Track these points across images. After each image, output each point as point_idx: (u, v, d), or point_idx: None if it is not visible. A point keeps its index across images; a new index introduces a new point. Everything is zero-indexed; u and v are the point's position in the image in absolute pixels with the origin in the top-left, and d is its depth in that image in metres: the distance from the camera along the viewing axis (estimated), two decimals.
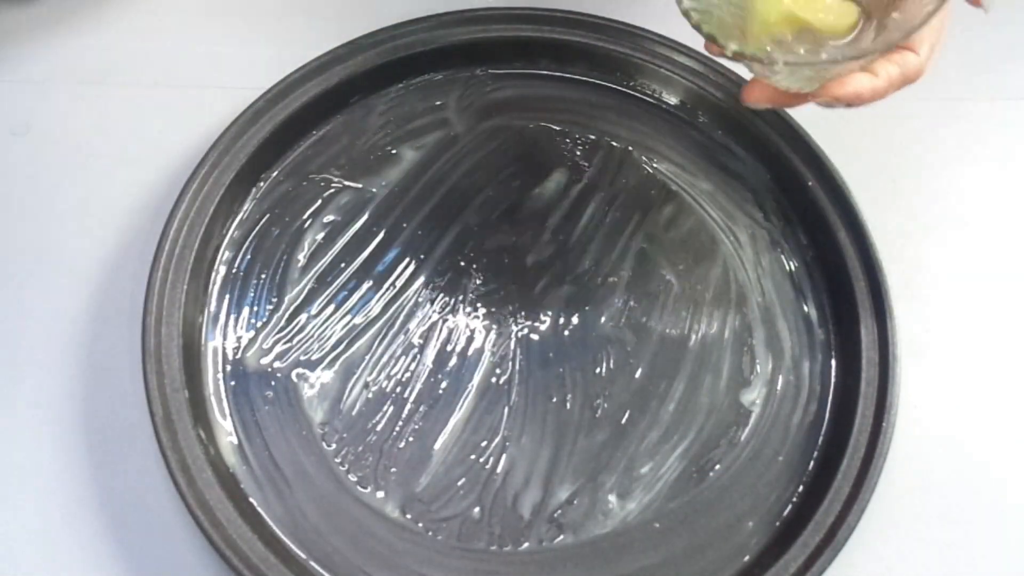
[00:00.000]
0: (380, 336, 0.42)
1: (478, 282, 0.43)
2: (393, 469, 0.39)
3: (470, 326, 0.42)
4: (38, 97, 0.47)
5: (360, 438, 0.40)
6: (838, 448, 0.40)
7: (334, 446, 0.39)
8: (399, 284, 0.43)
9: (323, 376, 0.41)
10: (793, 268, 0.45)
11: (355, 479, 0.39)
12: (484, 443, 0.40)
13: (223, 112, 0.44)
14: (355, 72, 0.46)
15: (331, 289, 0.42)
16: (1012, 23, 0.53)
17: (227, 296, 0.42)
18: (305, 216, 0.44)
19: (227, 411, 0.40)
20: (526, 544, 0.38)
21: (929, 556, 0.40)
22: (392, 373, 0.41)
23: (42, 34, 0.48)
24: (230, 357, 0.41)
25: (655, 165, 0.47)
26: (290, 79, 0.45)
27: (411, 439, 0.40)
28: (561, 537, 0.38)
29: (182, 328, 0.40)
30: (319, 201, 0.44)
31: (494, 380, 0.41)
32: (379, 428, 0.40)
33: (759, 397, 0.42)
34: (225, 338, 0.41)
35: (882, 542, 0.39)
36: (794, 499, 0.40)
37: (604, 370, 0.42)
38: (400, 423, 0.40)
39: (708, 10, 0.34)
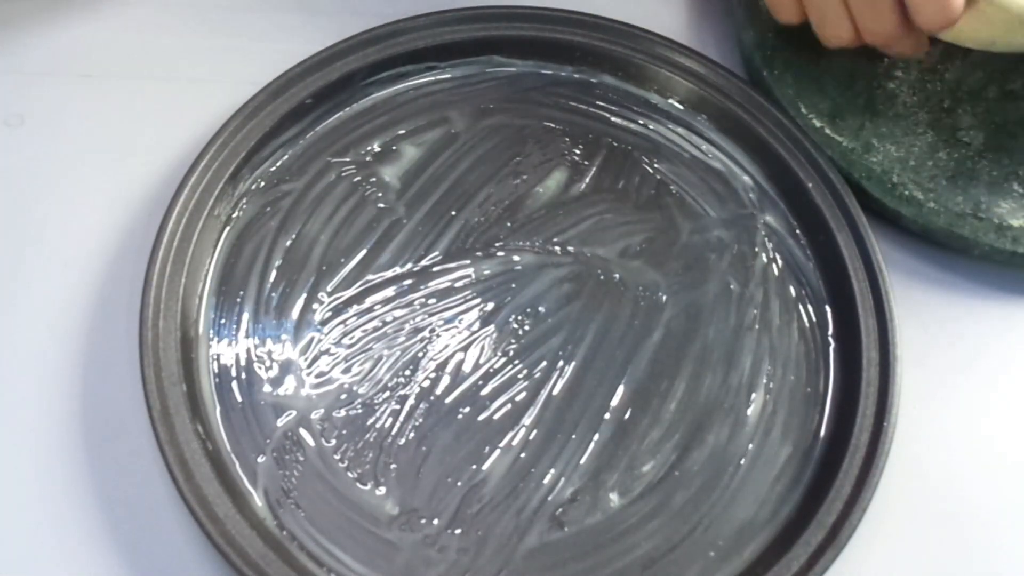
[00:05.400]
0: (380, 332, 0.41)
1: (478, 279, 0.43)
2: (393, 466, 0.39)
3: (470, 323, 0.42)
4: (33, 88, 0.46)
5: (360, 435, 0.39)
6: (839, 448, 0.40)
7: (333, 442, 0.39)
8: (398, 281, 0.43)
9: (322, 372, 0.40)
10: (793, 269, 0.45)
11: (354, 476, 0.39)
12: (486, 440, 0.40)
13: (222, 106, 0.44)
14: (355, 68, 0.46)
15: (330, 285, 0.42)
16: None
17: (226, 291, 0.42)
18: (304, 212, 0.44)
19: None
20: (527, 541, 0.38)
21: (931, 556, 0.40)
22: (392, 369, 0.41)
23: (38, 25, 0.48)
24: (229, 352, 0.40)
25: (655, 165, 0.47)
26: (290, 74, 0.45)
27: (411, 436, 0.39)
28: (562, 534, 0.38)
29: (180, 322, 0.39)
30: (318, 197, 0.44)
31: (495, 377, 0.41)
32: (379, 425, 0.40)
33: (760, 397, 0.42)
34: (223, 333, 0.41)
35: (884, 542, 0.39)
36: (796, 498, 0.40)
37: (606, 368, 0.41)
38: (400, 420, 0.40)
39: None
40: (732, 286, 0.44)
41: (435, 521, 0.38)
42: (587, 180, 0.46)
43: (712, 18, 0.52)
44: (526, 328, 0.42)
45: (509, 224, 0.44)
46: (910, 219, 0.45)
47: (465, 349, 0.41)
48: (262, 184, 0.44)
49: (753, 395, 0.42)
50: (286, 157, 0.45)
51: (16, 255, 0.42)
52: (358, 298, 0.42)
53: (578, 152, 0.47)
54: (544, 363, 0.41)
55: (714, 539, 0.39)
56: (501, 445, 0.40)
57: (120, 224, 0.43)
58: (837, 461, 0.39)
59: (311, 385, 0.40)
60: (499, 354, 0.41)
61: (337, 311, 0.42)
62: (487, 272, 0.43)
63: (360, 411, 0.40)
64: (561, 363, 0.41)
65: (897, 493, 0.40)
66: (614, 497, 0.39)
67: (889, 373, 0.41)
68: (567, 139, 0.47)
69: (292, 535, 0.37)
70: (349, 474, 0.39)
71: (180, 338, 0.39)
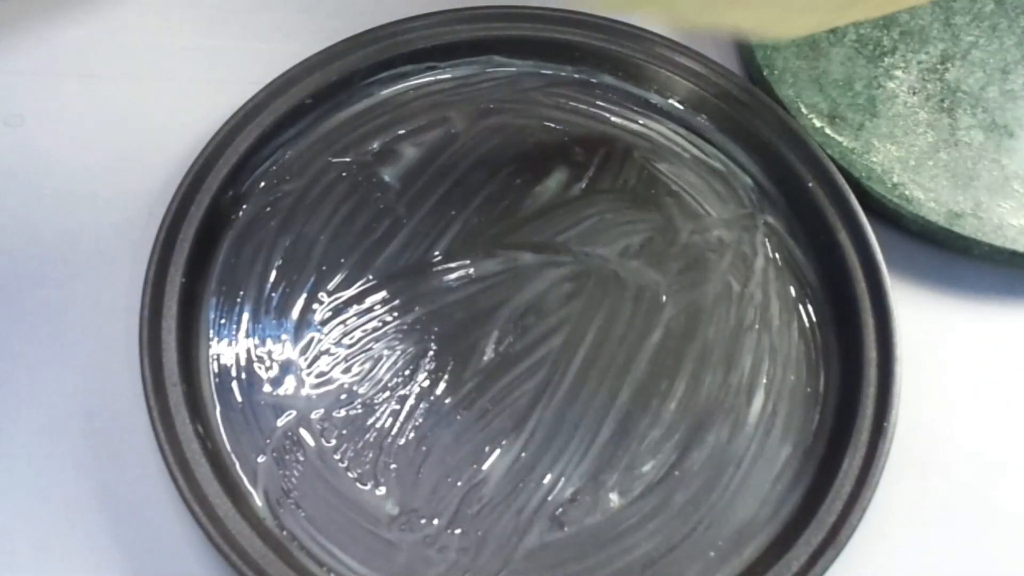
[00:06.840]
0: (380, 332, 0.41)
1: (478, 279, 0.43)
2: (393, 466, 0.39)
3: (470, 322, 0.42)
4: (33, 88, 0.46)
5: (360, 435, 0.39)
6: (839, 448, 0.40)
7: (333, 442, 0.39)
8: (398, 281, 0.43)
9: (322, 372, 0.40)
10: (793, 269, 0.45)
11: (354, 476, 0.39)
12: (486, 440, 0.40)
13: (221, 106, 0.44)
14: (355, 68, 0.46)
15: (330, 285, 0.42)
16: None
17: (226, 291, 0.42)
18: (304, 212, 0.44)
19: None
20: (527, 541, 0.38)
21: (931, 555, 0.40)
22: (392, 369, 0.41)
23: (38, 25, 0.48)
24: (229, 352, 0.40)
25: (655, 165, 0.47)
26: (290, 74, 0.45)
27: (411, 436, 0.39)
28: (562, 534, 0.38)
29: (180, 322, 0.39)
30: (318, 197, 0.44)
31: (496, 377, 0.41)
32: (379, 425, 0.40)
33: (760, 397, 0.42)
34: (224, 333, 0.41)
35: (884, 542, 0.39)
36: (796, 498, 0.39)
37: (607, 368, 0.41)
38: (400, 420, 0.40)
39: None
40: (732, 286, 0.44)
41: (435, 521, 0.38)
42: (587, 180, 0.46)
43: None
44: (526, 328, 0.42)
45: (509, 224, 0.44)
46: (910, 219, 0.45)
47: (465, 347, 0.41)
48: (262, 184, 0.44)
49: (753, 395, 0.42)
50: (286, 157, 0.45)
51: (16, 255, 0.42)
52: (358, 298, 0.42)
53: (578, 152, 0.47)
54: (544, 363, 0.41)
55: (714, 539, 0.39)
56: (502, 445, 0.40)
57: (120, 224, 0.43)
58: (837, 461, 0.39)
59: (311, 385, 0.40)
60: (499, 353, 0.41)
61: (337, 311, 0.42)
62: (487, 272, 0.43)
63: (360, 411, 0.40)
64: (561, 363, 0.41)
65: (897, 493, 0.40)
66: (614, 497, 0.39)
67: (889, 373, 0.41)
68: (567, 139, 0.47)
69: (292, 535, 0.37)
70: (349, 474, 0.39)
71: (180, 338, 0.39)
